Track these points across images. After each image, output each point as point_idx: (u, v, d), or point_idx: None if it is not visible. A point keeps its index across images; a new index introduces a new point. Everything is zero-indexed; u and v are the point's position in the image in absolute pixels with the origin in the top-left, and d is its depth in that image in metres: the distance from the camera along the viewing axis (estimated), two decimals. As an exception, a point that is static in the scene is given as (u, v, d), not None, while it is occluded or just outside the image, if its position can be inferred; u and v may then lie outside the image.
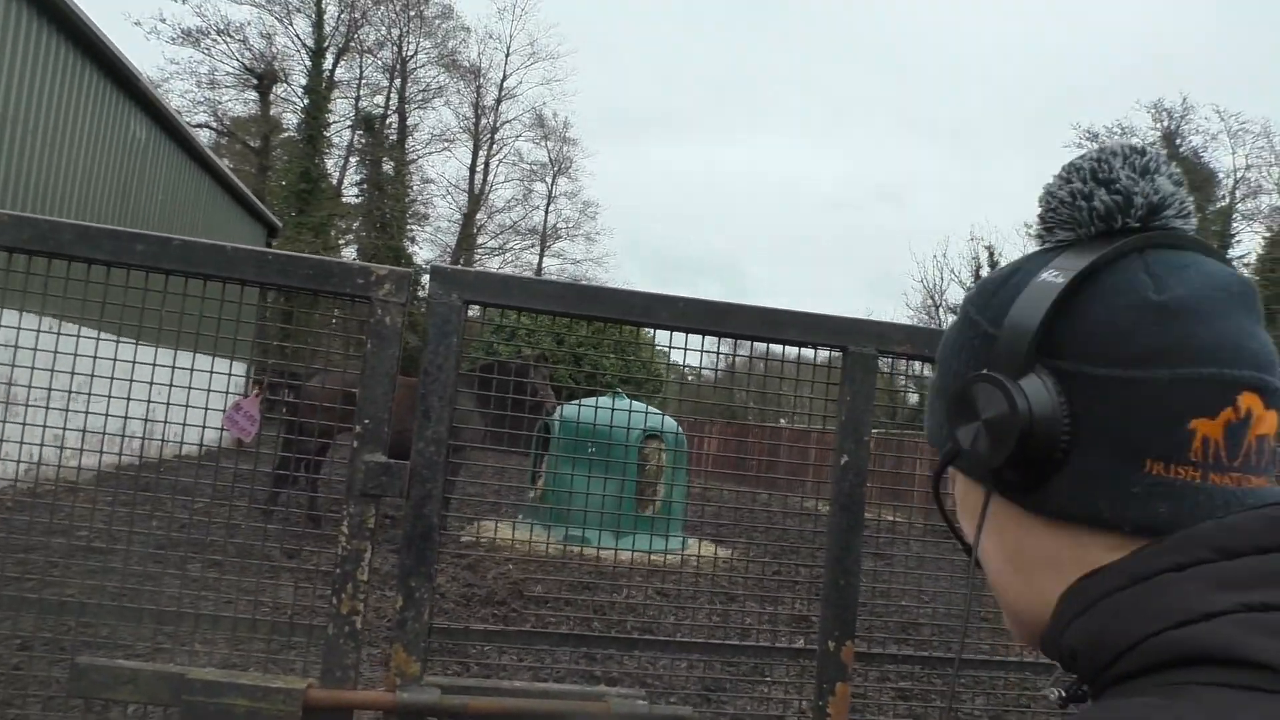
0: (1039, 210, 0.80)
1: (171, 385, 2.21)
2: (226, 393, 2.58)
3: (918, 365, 2.49)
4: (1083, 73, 62.80)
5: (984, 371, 0.74)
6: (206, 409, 2.22)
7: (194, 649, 2.36)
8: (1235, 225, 38.31)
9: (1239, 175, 38.71)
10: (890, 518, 3.70)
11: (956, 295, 42.28)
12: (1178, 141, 38.06)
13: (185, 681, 1.99)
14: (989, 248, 43.93)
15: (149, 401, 2.21)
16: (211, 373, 2.24)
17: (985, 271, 41.82)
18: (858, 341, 2.33)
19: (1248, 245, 38.16)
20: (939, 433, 0.81)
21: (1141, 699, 0.59)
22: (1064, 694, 0.75)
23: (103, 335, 2.08)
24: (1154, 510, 0.67)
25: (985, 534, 0.78)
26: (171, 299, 2.16)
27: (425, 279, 2.29)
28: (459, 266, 2.14)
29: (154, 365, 2.20)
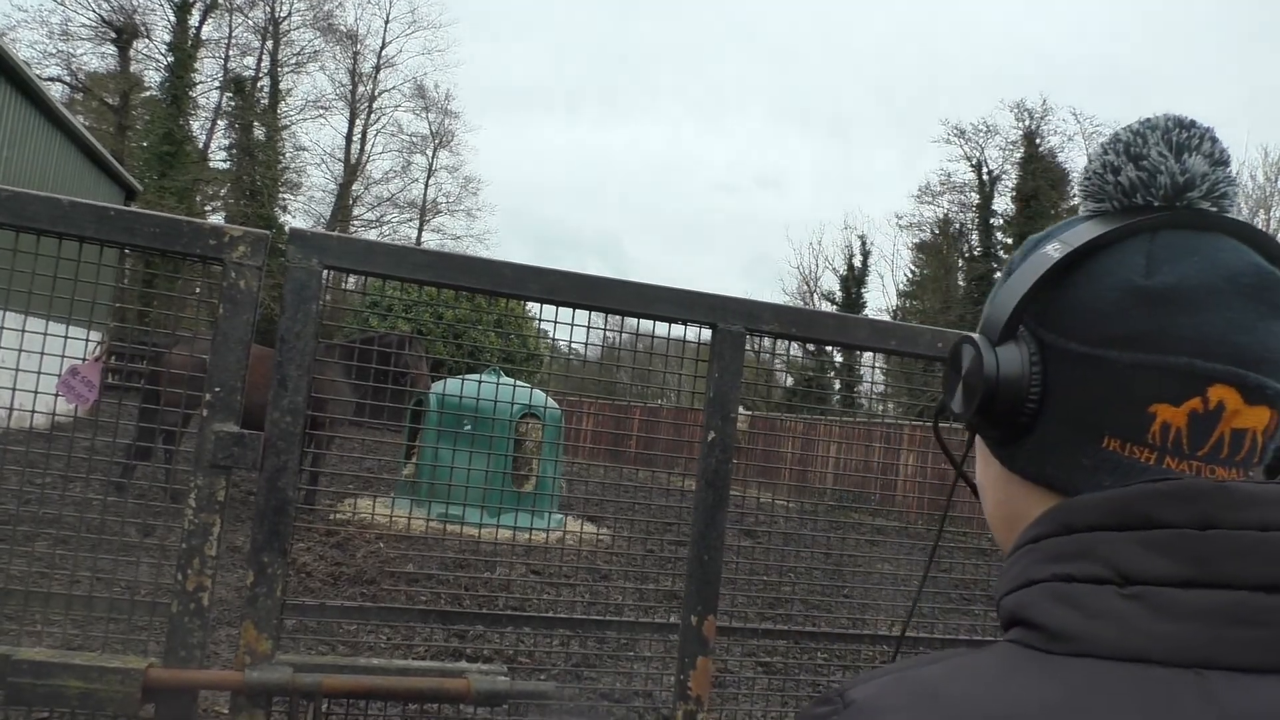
0: (1081, 179, 0.81)
1: (18, 350, 2.06)
2: (64, 357, 2.42)
3: (785, 345, 2.53)
4: (952, 70, 65.17)
5: (968, 335, 0.79)
6: (39, 375, 2.07)
7: (37, 630, 2.22)
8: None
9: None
10: (760, 497, 3.77)
11: (831, 282, 43.41)
12: (1037, 141, 39.94)
13: (10, 663, 1.86)
14: (861, 236, 45.33)
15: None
16: (58, 338, 2.09)
17: (858, 260, 43.00)
18: (727, 319, 2.35)
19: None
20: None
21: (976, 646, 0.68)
22: None
23: None
24: (1098, 483, 0.70)
25: (984, 481, 0.84)
26: (22, 259, 2.00)
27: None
28: (320, 230, 2.05)
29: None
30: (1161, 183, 0.74)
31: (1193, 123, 0.77)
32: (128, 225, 1.96)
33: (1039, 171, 38.86)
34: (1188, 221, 0.73)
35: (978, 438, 0.84)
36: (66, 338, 2.12)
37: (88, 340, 2.21)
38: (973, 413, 0.77)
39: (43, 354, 2.06)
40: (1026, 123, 40.46)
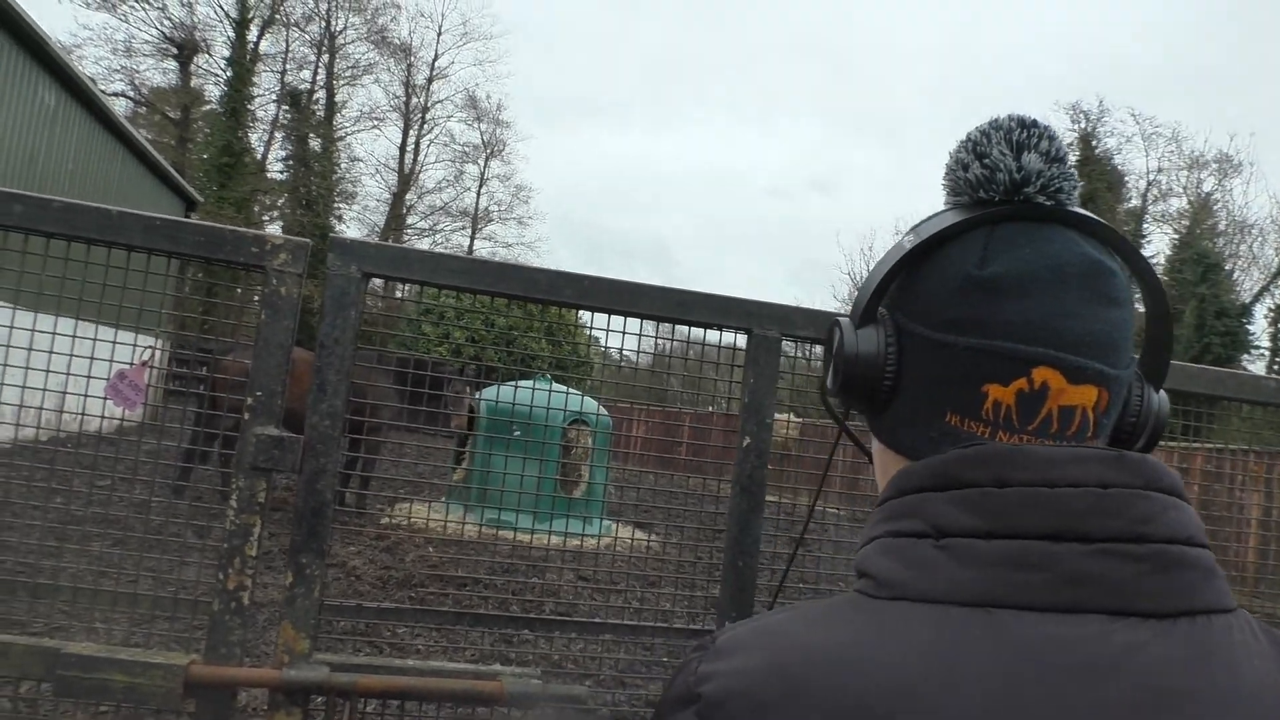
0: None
1: (69, 355, 2.13)
2: (129, 363, 2.49)
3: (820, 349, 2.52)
4: (1005, 72, 64.24)
5: (837, 317, 0.88)
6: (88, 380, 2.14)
7: (94, 628, 2.29)
8: (1146, 227, 39.62)
9: (1150, 178, 40.08)
10: (821, 506, 3.74)
11: (882, 289, 42.82)
12: (1094, 143, 39.20)
13: (60, 656, 1.92)
14: (914, 243, 44.61)
15: (46, 373, 2.12)
16: (129, 345, 2.16)
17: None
18: (762, 324, 2.34)
19: (1158, 246, 39.53)
20: None
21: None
22: None
23: (18, 307, 2.00)
24: (939, 451, 0.77)
25: (873, 449, 0.92)
26: (91, 269, 2.07)
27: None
28: (358, 238, 2.10)
29: (49, 334, 2.12)
30: (1000, 179, 0.80)
31: (1034, 122, 0.83)
32: (172, 234, 2.01)
33: (1095, 174, 38.13)
34: (1024, 214, 0.80)
35: None
36: (134, 345, 2.19)
37: (136, 344, 2.28)
38: (837, 388, 0.86)
39: (110, 360, 2.12)
40: (1082, 125, 39.75)
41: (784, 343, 2.38)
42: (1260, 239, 37.73)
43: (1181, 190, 40.05)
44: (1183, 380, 2.68)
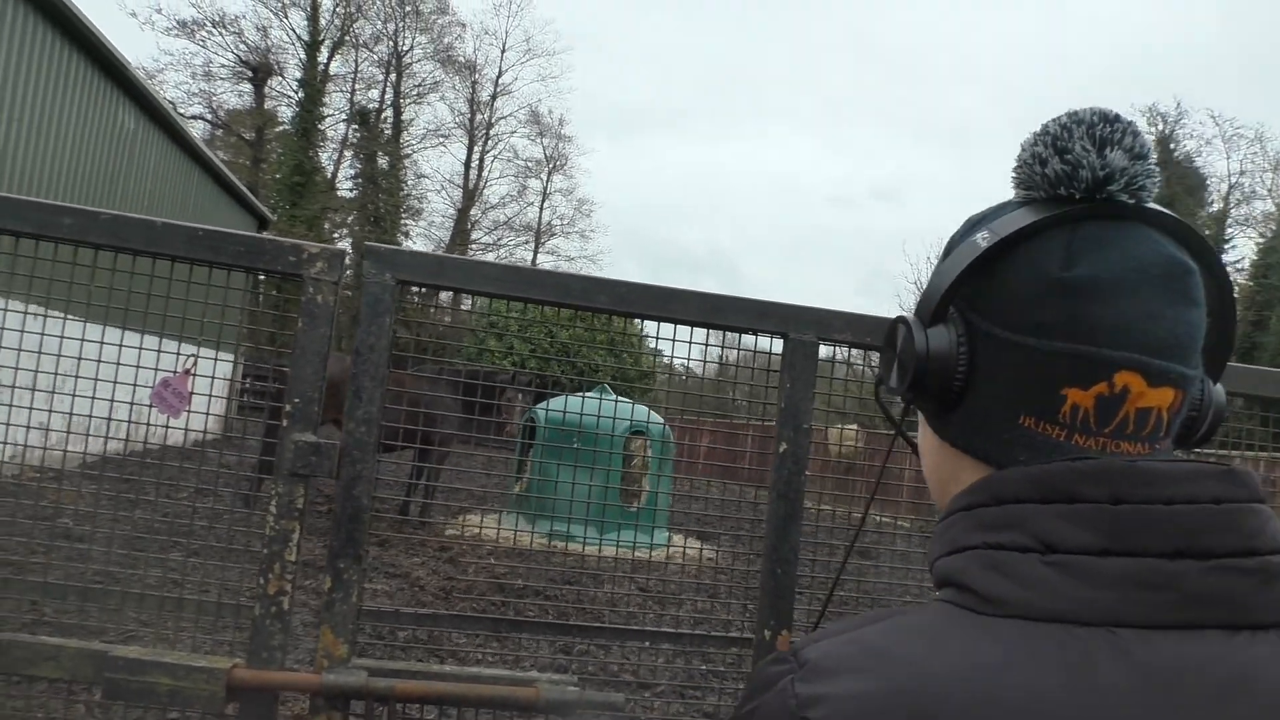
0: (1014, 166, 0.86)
1: (148, 368, 2.19)
2: (212, 378, 2.57)
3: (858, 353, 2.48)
4: (1081, 74, 62.81)
5: (903, 315, 0.85)
6: (188, 396, 2.20)
7: (163, 633, 2.35)
8: (1229, 230, 38.36)
9: (1233, 180, 38.79)
10: (879, 516, 3.68)
11: (949, 297, 42.09)
12: (1172, 146, 38.12)
13: (108, 659, 1.97)
14: (982, 250, 43.70)
15: (120, 385, 2.19)
16: (211, 359, 2.23)
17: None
18: (798, 328, 2.32)
19: (1242, 250, 38.22)
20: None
21: (913, 606, 0.78)
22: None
23: (89, 321, 2.08)
24: (1014, 456, 0.78)
25: (923, 446, 0.91)
26: (161, 285, 2.14)
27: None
28: (393, 246, 2.13)
29: (116, 347, 2.19)
30: (1083, 176, 0.78)
31: (1116, 117, 0.80)
32: (214, 245, 2.06)
33: (1174, 178, 37.06)
34: (1107, 213, 0.79)
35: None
36: (198, 357, 2.25)
37: (216, 358, 2.34)
38: (905, 387, 0.84)
39: (191, 374, 2.18)
40: (1160, 127, 38.70)
41: (833, 349, 2.35)
42: (1350, 240, 36.25)
43: (1266, 193, 38.69)
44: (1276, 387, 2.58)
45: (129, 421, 2.15)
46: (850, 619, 0.76)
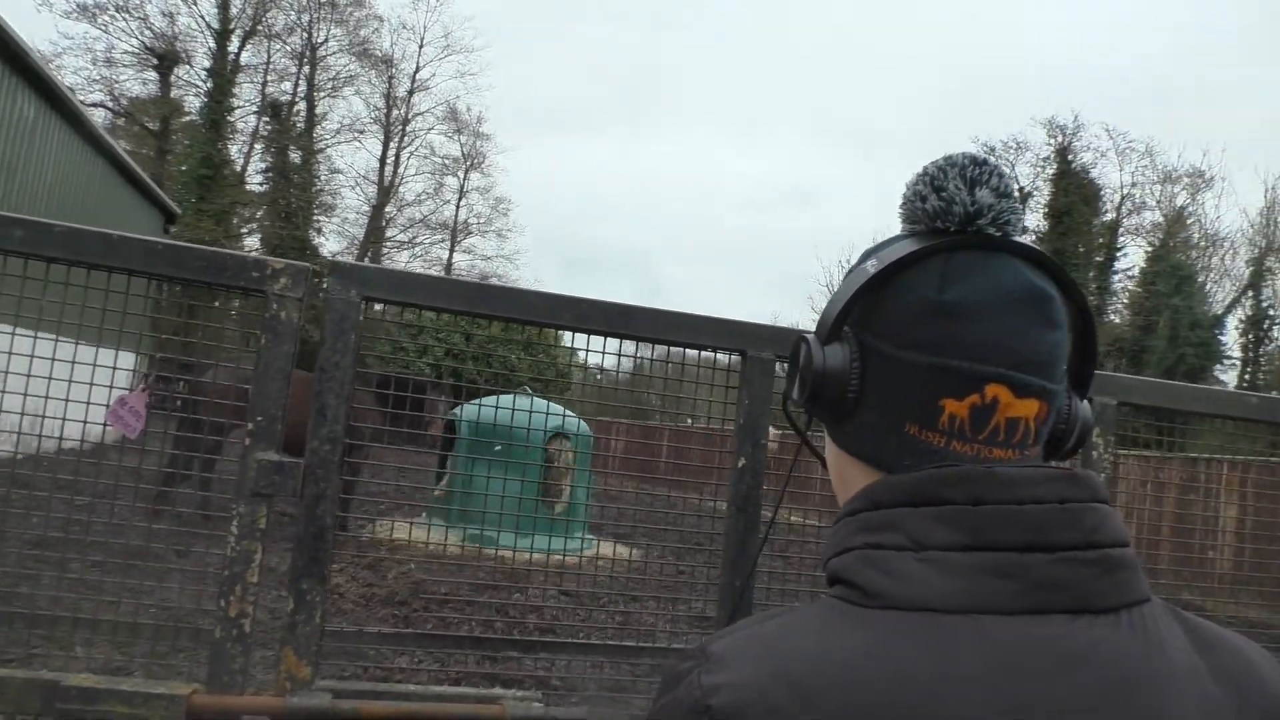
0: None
1: (50, 377, 2.12)
2: (110, 386, 2.48)
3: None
4: (984, 85, 64.86)
5: (804, 334, 0.94)
6: (89, 402, 2.13)
7: (73, 653, 2.27)
8: (1121, 239, 40.03)
9: (1125, 191, 40.49)
10: (792, 519, 3.76)
11: (862, 301, 42.79)
12: (1070, 157, 39.58)
13: (59, 689, 1.91)
14: (893, 255, 44.57)
15: (26, 395, 2.11)
16: (109, 367, 2.15)
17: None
18: (756, 346, 2.37)
19: (1132, 259, 39.94)
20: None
21: (806, 602, 0.87)
22: None
23: None
24: (901, 461, 0.86)
25: (828, 455, 0.98)
26: (55, 287, 2.07)
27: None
28: (359, 262, 2.10)
29: (31, 356, 2.11)
30: (956, 211, 0.89)
31: (985, 160, 0.92)
32: (175, 259, 2.02)
33: (1071, 188, 38.51)
34: (976, 244, 0.89)
35: None
36: (114, 367, 2.18)
37: (115, 366, 2.27)
38: (804, 399, 0.92)
39: (91, 384, 2.11)
40: (1058, 139, 40.13)
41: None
42: (1231, 252, 38.20)
43: (1155, 204, 40.50)
44: (1166, 398, 2.73)
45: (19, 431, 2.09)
46: (755, 616, 0.84)
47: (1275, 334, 36.06)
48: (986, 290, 0.85)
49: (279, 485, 2.03)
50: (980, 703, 0.72)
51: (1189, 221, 38.90)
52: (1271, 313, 36.06)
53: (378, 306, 2.19)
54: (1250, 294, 36.74)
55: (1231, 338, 36.05)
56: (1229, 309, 36.74)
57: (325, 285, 2.11)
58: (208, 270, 2.03)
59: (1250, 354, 35.86)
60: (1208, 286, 37.01)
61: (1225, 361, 35.19)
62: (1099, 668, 0.75)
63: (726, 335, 2.38)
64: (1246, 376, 34.71)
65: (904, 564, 0.78)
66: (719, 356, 2.48)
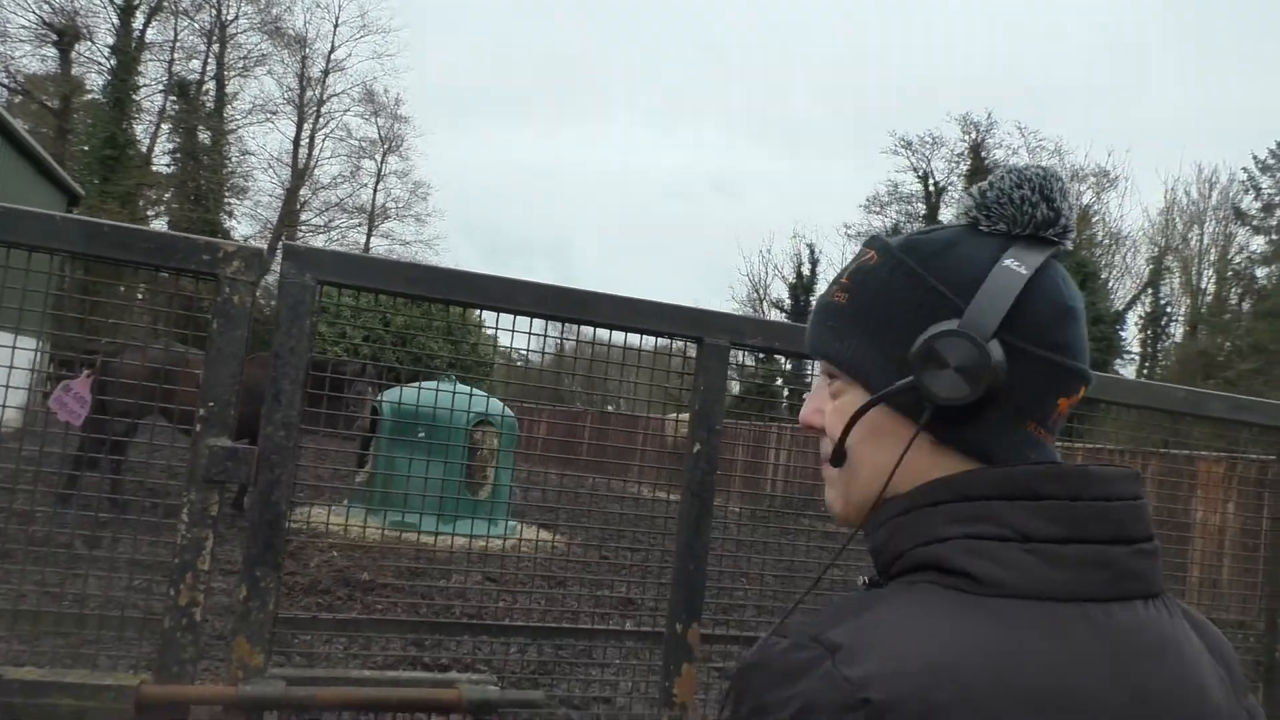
0: (985, 198, 0.96)
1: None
2: (10, 368, 2.37)
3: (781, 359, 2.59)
4: (901, 81, 66.19)
5: (960, 329, 0.88)
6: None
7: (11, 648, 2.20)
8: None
9: (1032, 189, 41.73)
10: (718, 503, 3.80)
11: (780, 290, 43.66)
12: (983, 154, 40.72)
13: (2, 683, 1.85)
14: (810, 245, 45.63)
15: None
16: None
17: (807, 268, 42.88)
18: (713, 333, 2.40)
19: (1040, 255, 41.26)
20: (867, 364, 0.96)
21: (893, 586, 0.86)
22: (868, 581, 0.96)
23: None
24: (1024, 454, 0.90)
25: (873, 446, 0.95)
26: None
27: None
28: (314, 246, 2.07)
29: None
30: (1062, 223, 0.94)
31: (1060, 176, 0.97)
32: (121, 241, 1.95)
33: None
34: (1061, 255, 0.96)
35: (875, 412, 0.94)
36: (14, 348, 2.09)
37: (14, 347, 2.17)
38: (964, 396, 0.88)
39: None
40: (973, 136, 41.25)
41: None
42: (1133, 250, 39.85)
43: (1063, 203, 41.82)
44: (1129, 395, 2.85)
45: None
46: (826, 609, 0.85)
47: (1172, 330, 37.82)
48: (1078, 298, 0.93)
49: (231, 472, 1.98)
50: (1109, 684, 0.78)
51: (1094, 220, 40.38)
52: (1169, 310, 37.80)
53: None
54: (1149, 291, 38.41)
55: (1131, 333, 37.66)
56: (1129, 305, 38.33)
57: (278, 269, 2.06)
58: (157, 253, 1.97)
59: (1149, 349, 37.53)
60: (1110, 283, 38.51)
61: (1125, 356, 36.72)
62: (1176, 648, 0.85)
63: (684, 322, 2.40)
64: (1145, 371, 36.27)
65: (1012, 554, 0.82)
66: (656, 341, 2.50)
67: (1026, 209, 0.93)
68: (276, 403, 2.04)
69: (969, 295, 0.90)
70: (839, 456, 0.97)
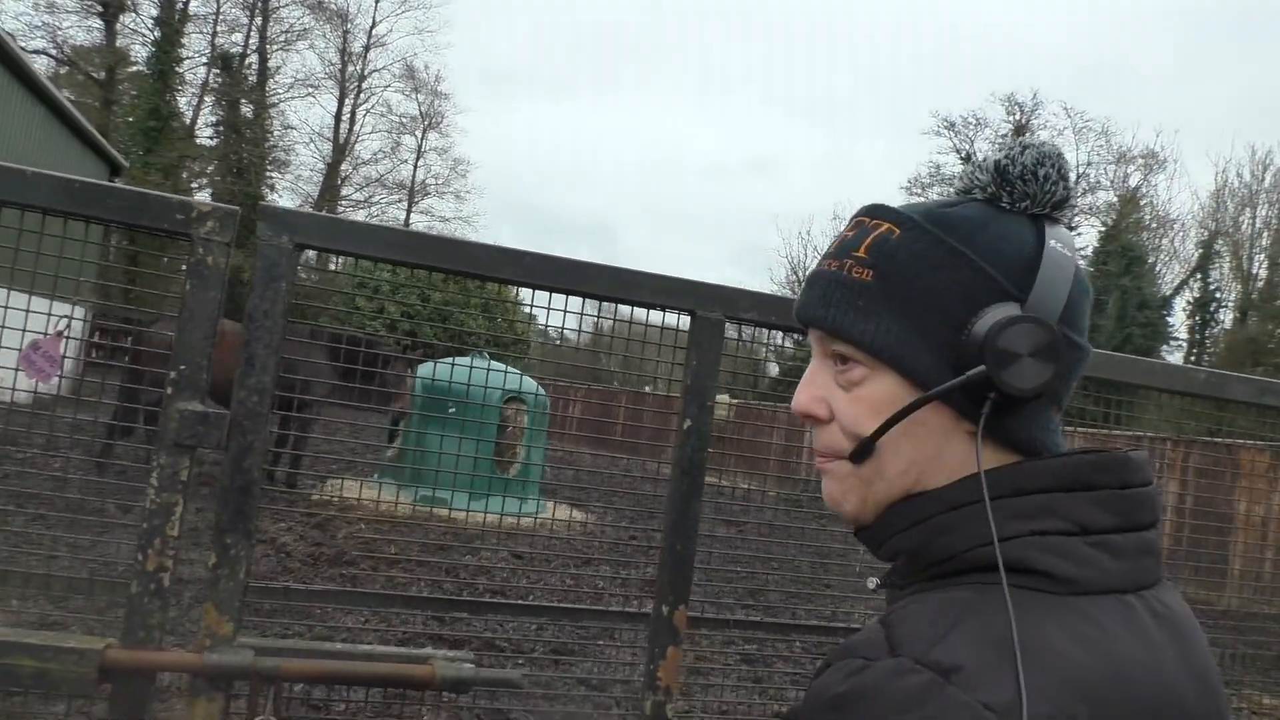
0: (1007, 174, 0.90)
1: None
2: (39, 333, 2.36)
3: (771, 334, 2.50)
4: (943, 61, 65.04)
5: (1034, 316, 0.83)
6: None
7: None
8: (1075, 219, 40.57)
9: (1080, 171, 40.98)
10: (746, 485, 3.74)
11: (819, 273, 42.91)
12: (1027, 135, 39.94)
13: (-35, 642, 1.82)
14: (851, 228, 44.64)
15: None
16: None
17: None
18: (705, 306, 2.32)
19: (1086, 238, 40.52)
20: (907, 349, 0.86)
21: (961, 591, 0.79)
22: (879, 582, 0.92)
23: None
24: (1057, 441, 0.88)
25: (909, 442, 0.87)
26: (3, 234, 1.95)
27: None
28: (291, 207, 2.01)
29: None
30: (1073, 203, 0.93)
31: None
32: (96, 198, 1.91)
33: (1028, 165, 38.82)
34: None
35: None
36: (48, 314, 2.07)
37: (50, 313, 2.15)
38: (1043, 386, 0.83)
39: (23, 330, 2.00)
40: (1017, 116, 40.54)
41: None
42: (1181, 234, 38.95)
43: (1109, 184, 41.08)
44: (1115, 370, 2.73)
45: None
46: (900, 624, 0.77)
47: (1221, 316, 36.91)
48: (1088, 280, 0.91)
49: (202, 436, 1.94)
50: (1184, 673, 0.79)
51: (1141, 202, 39.55)
52: (1218, 295, 36.88)
53: (335, 265, 2.10)
54: (1198, 276, 37.52)
55: (1179, 319, 36.84)
56: (1177, 290, 37.51)
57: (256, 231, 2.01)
58: (129, 211, 1.93)
59: (1196, 335, 36.69)
60: (1157, 268, 37.72)
61: (1172, 342, 35.98)
62: (1196, 624, 0.86)
63: (677, 294, 2.33)
64: (1192, 357, 35.51)
65: (1080, 549, 0.79)
66: (672, 317, 2.43)
67: (1049, 187, 0.89)
68: (250, 367, 1.99)
69: (1019, 278, 0.85)
70: (863, 452, 0.89)
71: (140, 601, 1.93)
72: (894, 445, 0.88)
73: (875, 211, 0.93)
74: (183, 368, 1.95)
